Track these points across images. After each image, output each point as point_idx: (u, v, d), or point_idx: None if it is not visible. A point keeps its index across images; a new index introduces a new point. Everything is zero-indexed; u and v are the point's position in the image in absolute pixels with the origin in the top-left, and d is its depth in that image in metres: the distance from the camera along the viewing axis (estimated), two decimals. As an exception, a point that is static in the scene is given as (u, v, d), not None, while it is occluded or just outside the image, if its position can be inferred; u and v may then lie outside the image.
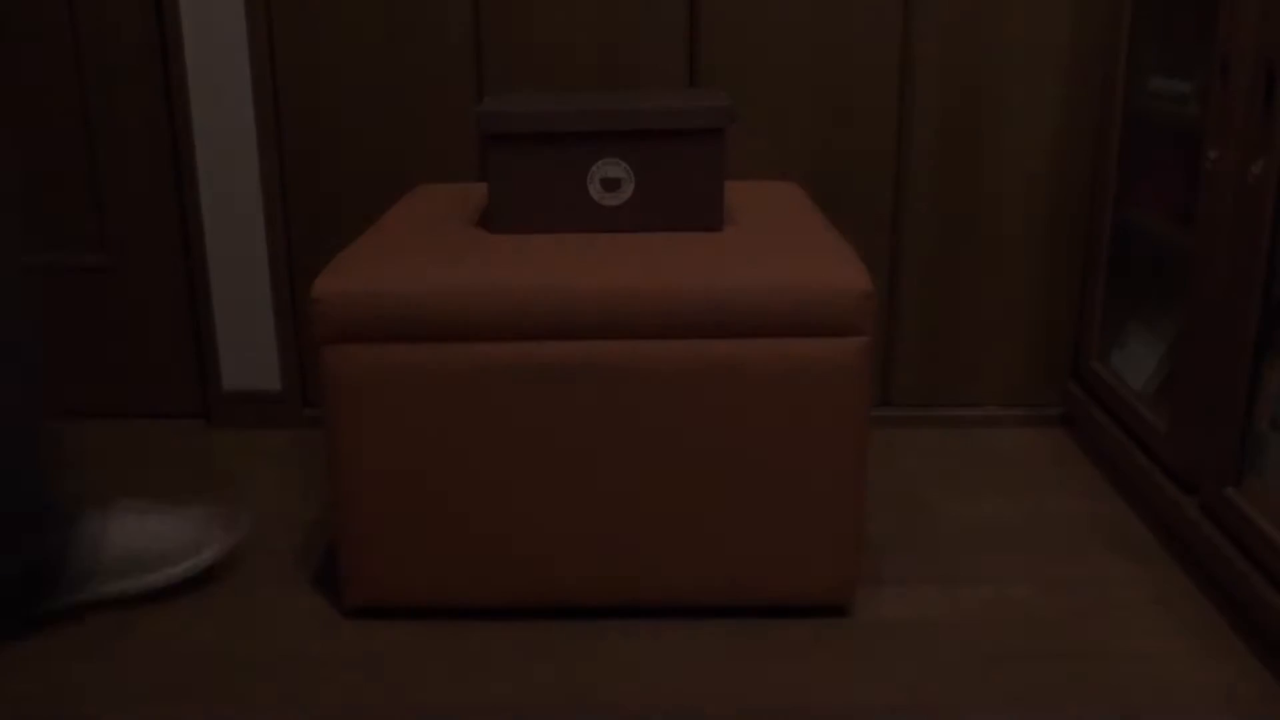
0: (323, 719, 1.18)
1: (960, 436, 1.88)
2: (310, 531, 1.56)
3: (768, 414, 1.24)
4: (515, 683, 1.23)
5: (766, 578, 1.31)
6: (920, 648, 1.28)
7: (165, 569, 1.34)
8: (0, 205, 1.18)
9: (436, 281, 1.23)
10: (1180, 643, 1.29)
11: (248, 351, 1.92)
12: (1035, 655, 1.27)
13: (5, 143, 1.20)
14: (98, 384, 1.97)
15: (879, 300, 1.88)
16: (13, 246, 1.18)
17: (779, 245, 1.33)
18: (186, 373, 1.96)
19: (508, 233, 1.38)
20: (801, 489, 1.27)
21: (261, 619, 1.34)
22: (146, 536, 1.33)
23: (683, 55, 1.79)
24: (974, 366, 1.91)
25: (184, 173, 1.82)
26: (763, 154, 1.82)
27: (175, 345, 1.95)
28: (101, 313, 1.94)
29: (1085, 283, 1.84)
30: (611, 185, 1.36)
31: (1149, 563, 1.47)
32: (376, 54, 1.80)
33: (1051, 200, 1.83)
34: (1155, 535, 1.53)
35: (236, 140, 1.82)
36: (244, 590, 1.40)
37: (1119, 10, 1.68)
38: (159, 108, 1.83)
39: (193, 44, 1.77)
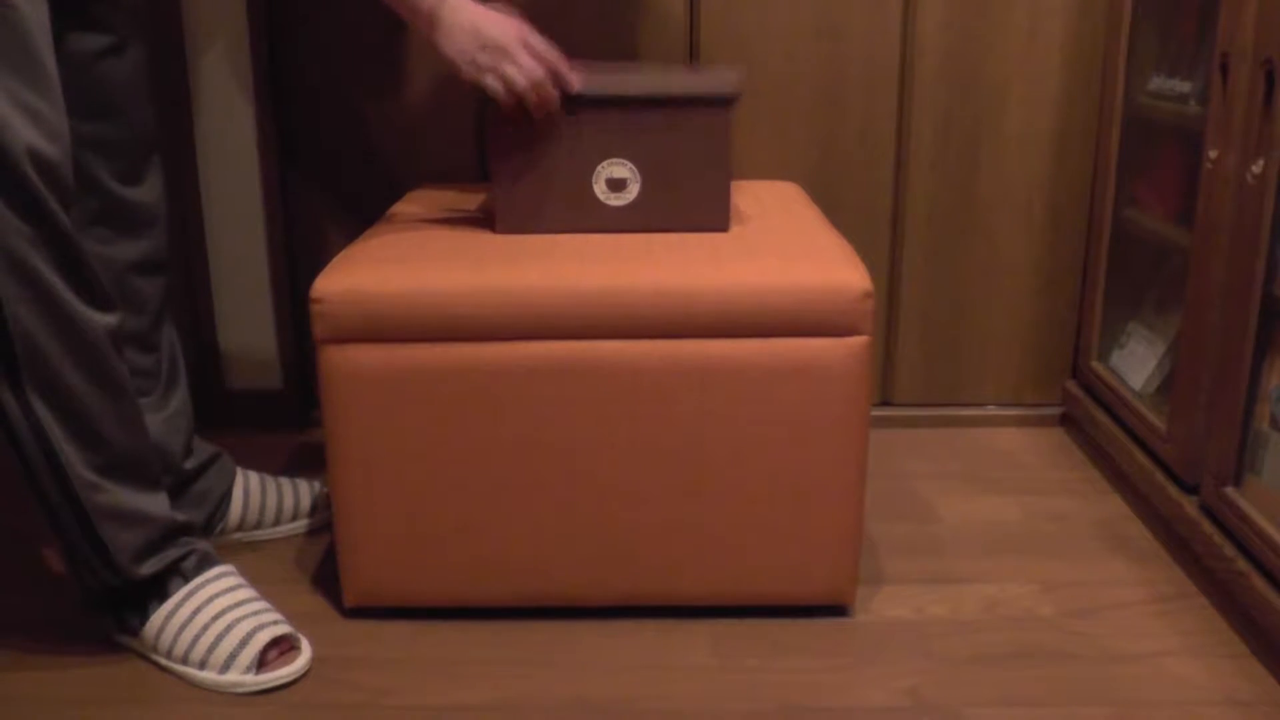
0: (323, 719, 1.18)
1: (960, 436, 1.88)
2: (310, 531, 1.56)
3: (768, 414, 1.24)
4: (515, 683, 1.23)
5: (766, 577, 1.31)
6: (920, 648, 1.28)
7: (289, 523, 1.56)
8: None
9: (436, 282, 1.23)
10: (1180, 643, 1.29)
11: (248, 351, 1.92)
12: (1035, 655, 1.27)
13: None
14: (98, 384, 1.96)
15: (879, 300, 1.88)
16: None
17: (779, 245, 1.33)
18: (187, 372, 1.96)
19: (513, 233, 1.38)
20: (801, 489, 1.27)
21: (261, 619, 1.34)
22: (274, 494, 1.55)
23: (682, 55, 1.79)
24: (974, 366, 1.91)
25: (185, 173, 1.82)
26: (763, 154, 1.82)
27: (175, 345, 1.95)
28: (101, 313, 1.93)
29: (1085, 283, 1.84)
30: (617, 186, 1.36)
31: (1149, 563, 1.47)
32: (376, 54, 1.80)
33: (1051, 200, 1.83)
34: (1155, 535, 1.53)
35: (237, 140, 1.82)
36: (244, 590, 1.40)
37: (1119, 10, 1.68)
38: (160, 108, 1.83)
39: (194, 45, 1.77)
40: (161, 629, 1.24)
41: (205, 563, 1.28)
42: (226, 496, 1.50)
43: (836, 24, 1.76)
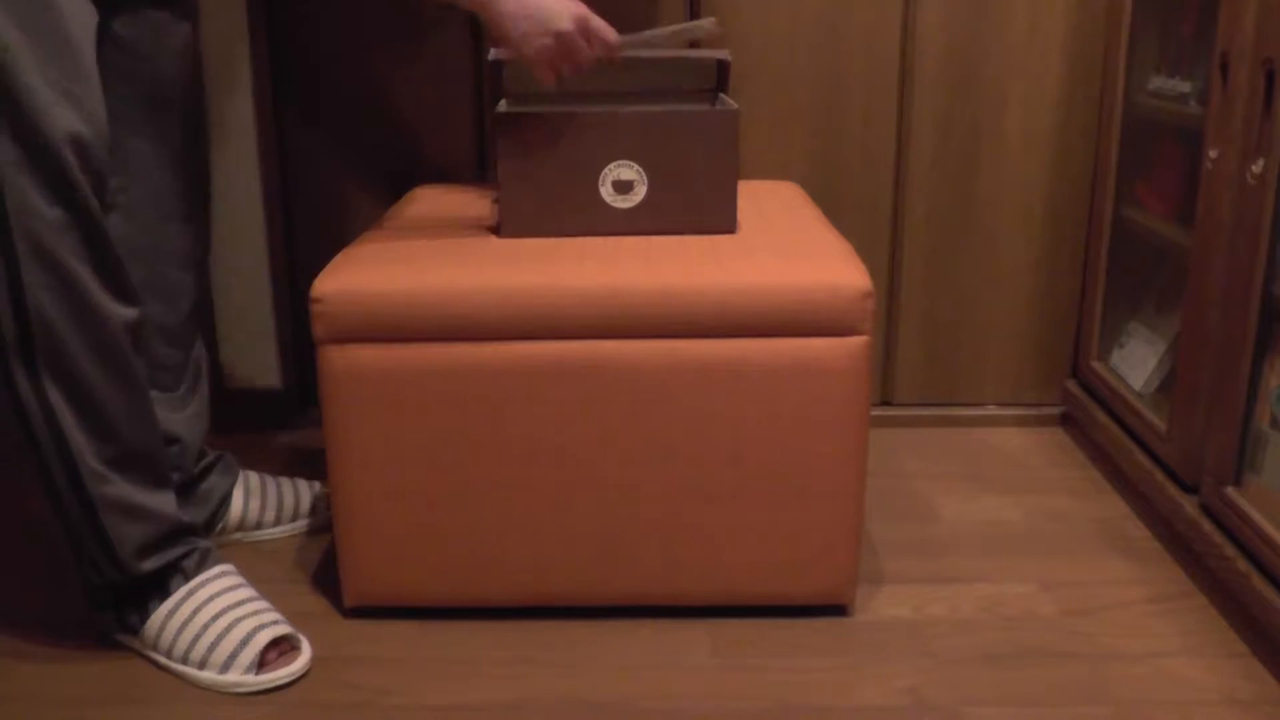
0: (323, 719, 1.18)
1: (960, 436, 1.88)
2: (310, 531, 1.56)
3: (768, 414, 1.24)
4: (515, 683, 1.23)
5: (766, 577, 1.31)
6: (920, 648, 1.28)
7: (289, 523, 1.56)
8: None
9: (436, 282, 1.23)
10: (1180, 643, 1.29)
11: (248, 350, 1.92)
12: (1035, 655, 1.27)
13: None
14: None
15: (879, 300, 1.88)
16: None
17: (779, 245, 1.33)
18: (186, 372, 1.96)
19: (519, 236, 1.38)
20: (801, 489, 1.27)
21: (261, 619, 1.34)
22: (274, 493, 1.55)
23: (683, 55, 1.79)
24: (974, 366, 1.91)
25: (184, 172, 1.82)
26: (763, 154, 1.82)
27: (175, 345, 1.95)
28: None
29: (1085, 283, 1.84)
30: (624, 188, 1.35)
31: (1149, 562, 1.47)
32: (378, 54, 1.80)
33: (1051, 200, 1.83)
34: (1155, 535, 1.53)
35: (237, 140, 1.81)
36: (244, 590, 1.40)
37: (1119, 10, 1.68)
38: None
39: (193, 44, 1.77)
40: (162, 628, 1.24)
41: (206, 561, 1.28)
42: (228, 496, 1.50)
43: (837, 23, 1.76)
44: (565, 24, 1.23)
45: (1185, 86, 1.54)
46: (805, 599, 1.33)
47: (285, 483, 1.57)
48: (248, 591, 1.28)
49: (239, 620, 1.24)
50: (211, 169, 1.82)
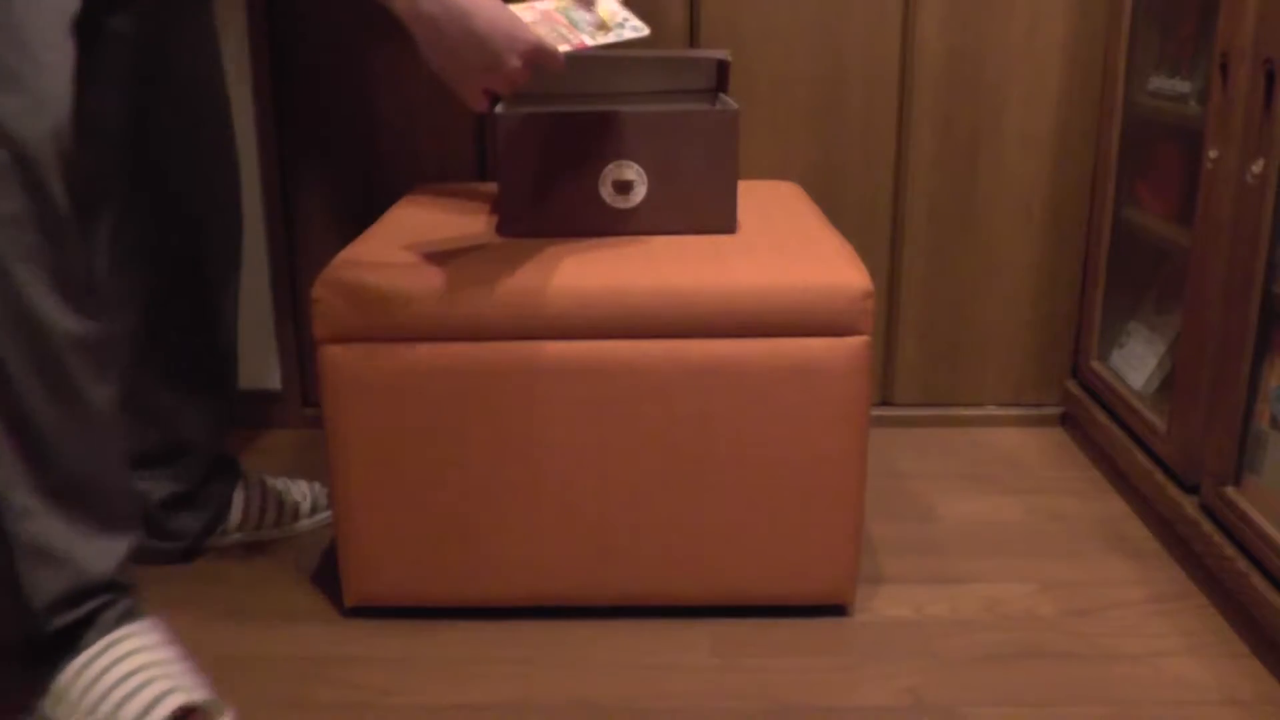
0: (323, 719, 1.18)
1: (960, 436, 1.88)
2: (310, 532, 1.56)
3: (768, 414, 1.24)
4: (515, 683, 1.23)
5: (766, 577, 1.31)
6: (920, 648, 1.28)
7: (289, 523, 1.56)
8: None
9: (436, 281, 1.23)
10: (1180, 643, 1.29)
11: (248, 351, 1.91)
12: (1035, 655, 1.27)
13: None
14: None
15: (879, 300, 1.88)
16: None
17: (779, 245, 1.33)
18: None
19: (519, 236, 1.38)
20: (801, 489, 1.27)
21: (261, 618, 1.34)
22: (274, 494, 1.54)
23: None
24: (974, 366, 1.91)
25: (184, 173, 1.82)
26: (763, 154, 1.82)
27: (175, 345, 1.94)
28: (101, 313, 1.93)
29: (1085, 283, 1.84)
30: (624, 188, 1.35)
31: (1149, 562, 1.47)
32: (377, 54, 1.80)
33: (1051, 200, 1.83)
34: (1155, 535, 1.53)
35: (237, 140, 1.81)
36: (244, 589, 1.40)
37: (1119, 10, 1.68)
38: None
39: (193, 44, 1.77)
40: (69, 686, 1.08)
41: (128, 616, 1.12)
42: (229, 499, 1.50)
43: (836, 23, 1.76)
44: (514, 61, 1.09)
45: (1185, 86, 1.54)
46: (805, 599, 1.33)
47: (285, 483, 1.57)
48: (168, 653, 1.12)
49: (150, 681, 1.07)
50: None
